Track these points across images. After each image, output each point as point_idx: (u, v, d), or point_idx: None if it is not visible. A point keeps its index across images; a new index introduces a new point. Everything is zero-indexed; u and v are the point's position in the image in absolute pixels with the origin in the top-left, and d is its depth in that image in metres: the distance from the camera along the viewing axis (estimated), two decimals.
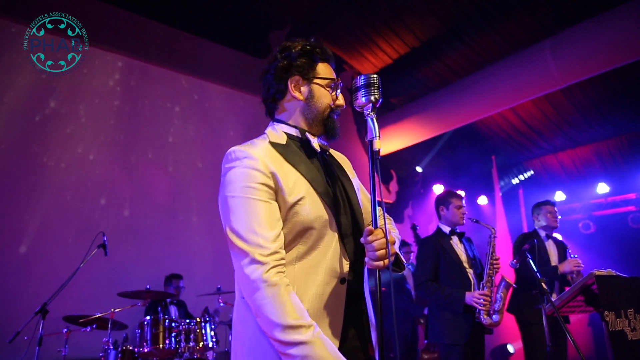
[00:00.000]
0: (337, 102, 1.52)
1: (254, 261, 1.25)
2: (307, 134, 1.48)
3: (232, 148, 1.39)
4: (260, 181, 1.32)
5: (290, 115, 1.51)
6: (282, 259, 1.30)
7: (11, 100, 4.89)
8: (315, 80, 1.50)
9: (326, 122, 1.49)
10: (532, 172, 9.04)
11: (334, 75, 1.53)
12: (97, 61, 5.54)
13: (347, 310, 1.38)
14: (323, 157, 1.52)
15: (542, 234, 4.05)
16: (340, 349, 1.30)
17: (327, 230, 1.39)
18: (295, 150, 1.45)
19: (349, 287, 1.39)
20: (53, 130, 5.12)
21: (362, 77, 1.38)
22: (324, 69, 1.52)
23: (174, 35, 6.13)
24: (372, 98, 1.36)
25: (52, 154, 5.06)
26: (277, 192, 1.34)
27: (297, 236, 1.36)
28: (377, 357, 1.41)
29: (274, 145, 1.43)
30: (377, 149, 1.32)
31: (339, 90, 1.53)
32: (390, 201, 8.67)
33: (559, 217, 4.11)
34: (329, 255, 1.38)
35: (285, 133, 1.48)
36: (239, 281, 1.33)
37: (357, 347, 1.41)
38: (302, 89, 1.50)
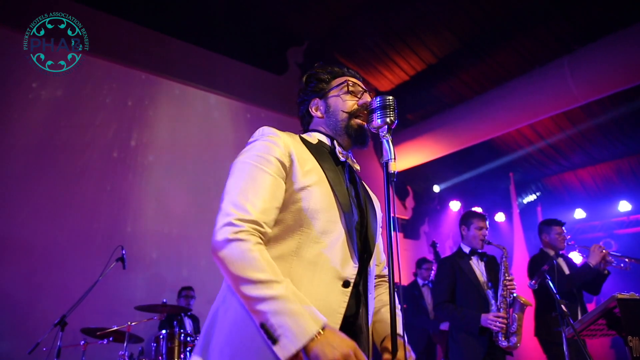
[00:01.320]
0: (360, 102, 1.51)
1: (231, 224, 1.18)
2: (335, 142, 1.50)
3: (263, 126, 1.41)
4: (276, 155, 1.31)
5: (319, 128, 1.57)
6: (262, 235, 1.23)
7: (30, 116, 5.04)
8: (330, 94, 1.54)
9: (348, 129, 1.49)
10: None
11: (344, 79, 1.55)
12: (115, 76, 5.68)
13: (346, 318, 1.28)
14: (350, 169, 1.50)
15: (551, 253, 3.93)
16: None
17: (335, 226, 1.32)
18: (323, 151, 1.46)
19: (354, 292, 1.31)
20: (72, 144, 5.24)
21: (378, 99, 1.38)
22: (336, 82, 1.56)
23: (192, 52, 6.26)
24: (388, 120, 1.36)
25: (72, 168, 5.18)
26: (289, 172, 1.32)
27: (299, 223, 1.29)
28: None
29: (303, 140, 1.46)
30: (392, 172, 1.30)
31: (361, 92, 1.53)
32: (407, 217, 8.62)
33: (568, 236, 3.97)
34: (334, 254, 1.29)
35: (318, 139, 1.51)
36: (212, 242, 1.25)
37: None
38: (320, 107, 1.55)
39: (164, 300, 4.07)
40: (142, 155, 5.70)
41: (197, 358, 1.25)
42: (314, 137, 1.51)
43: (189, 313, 4.90)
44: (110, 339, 3.78)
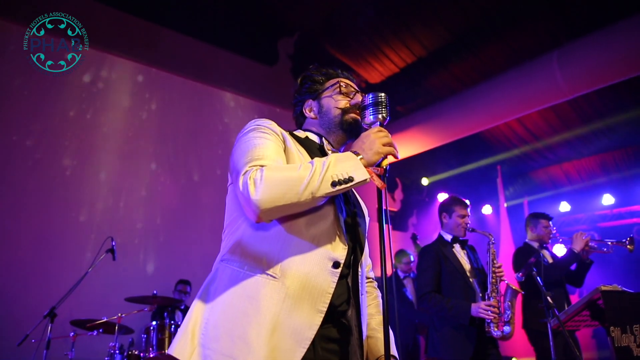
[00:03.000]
0: (353, 102, 1.53)
1: (247, 172, 1.21)
2: (324, 139, 1.53)
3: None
4: (273, 130, 1.38)
5: (311, 128, 1.59)
6: None
7: (20, 106, 4.96)
8: (323, 95, 1.56)
9: (342, 124, 1.51)
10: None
11: (336, 80, 1.57)
12: (105, 66, 5.61)
13: (334, 303, 1.28)
14: None
15: (535, 245, 4.02)
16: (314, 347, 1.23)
17: (324, 210, 1.32)
18: (311, 145, 1.50)
19: (343, 276, 1.31)
20: (66, 136, 5.17)
21: (370, 96, 1.38)
22: (329, 83, 1.58)
23: (181, 42, 6.19)
24: (380, 116, 1.37)
25: (65, 159, 5.12)
26: (285, 149, 1.37)
27: None
28: None
29: (292, 134, 1.50)
30: (384, 167, 1.36)
31: (354, 93, 1.55)
32: (395, 209, 8.68)
33: (554, 230, 4.07)
34: (324, 235, 1.30)
35: (306, 135, 1.55)
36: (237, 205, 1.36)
37: (333, 350, 1.30)
38: (314, 108, 1.57)
39: (155, 292, 4.07)
40: (131, 146, 5.64)
41: (198, 301, 1.32)
42: (302, 134, 1.55)
43: (181, 307, 4.91)
44: (100, 330, 3.78)
